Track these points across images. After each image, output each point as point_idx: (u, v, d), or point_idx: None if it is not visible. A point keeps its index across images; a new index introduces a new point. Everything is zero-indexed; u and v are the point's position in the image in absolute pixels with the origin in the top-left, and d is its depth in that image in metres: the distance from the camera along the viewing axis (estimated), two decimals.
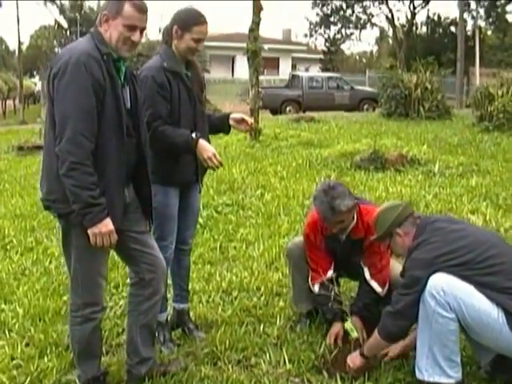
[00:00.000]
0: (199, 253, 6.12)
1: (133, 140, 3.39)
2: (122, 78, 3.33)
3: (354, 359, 3.78)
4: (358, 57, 63.34)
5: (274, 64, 44.80)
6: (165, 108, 3.90)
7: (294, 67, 48.19)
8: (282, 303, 4.93)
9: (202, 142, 3.86)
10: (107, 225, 3.14)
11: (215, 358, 4.05)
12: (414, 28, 44.71)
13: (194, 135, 3.87)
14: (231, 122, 4.24)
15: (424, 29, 45.03)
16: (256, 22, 14.51)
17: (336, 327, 4.25)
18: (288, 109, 27.92)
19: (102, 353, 3.78)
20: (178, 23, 3.92)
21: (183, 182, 4.11)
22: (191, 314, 4.58)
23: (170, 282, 4.40)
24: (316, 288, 4.40)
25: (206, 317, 4.68)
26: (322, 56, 49.53)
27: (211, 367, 3.93)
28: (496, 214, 7.52)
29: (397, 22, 44.01)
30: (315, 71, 43.63)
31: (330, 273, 4.41)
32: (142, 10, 3.26)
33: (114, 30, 3.22)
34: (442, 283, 3.39)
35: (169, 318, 4.36)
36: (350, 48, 63.91)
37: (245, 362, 4.02)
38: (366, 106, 29.18)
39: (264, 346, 4.18)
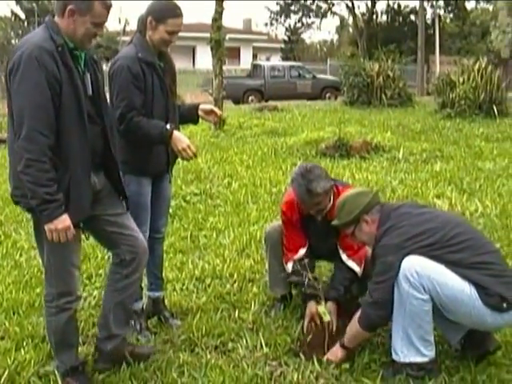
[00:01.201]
0: (170, 242, 6.13)
1: (97, 127, 3.39)
2: (83, 65, 3.31)
3: (335, 352, 3.82)
4: (318, 46, 63.42)
5: (235, 54, 44.70)
6: (139, 99, 3.89)
7: (255, 57, 48.12)
8: (255, 289, 4.98)
9: (177, 134, 3.88)
10: (64, 221, 3.12)
11: (192, 344, 4.08)
12: (375, 17, 44.93)
13: (168, 126, 3.88)
14: (200, 113, 4.25)
15: (384, 17, 45.33)
16: (219, 12, 14.47)
17: (311, 307, 4.30)
18: (250, 98, 27.90)
19: (79, 343, 3.79)
20: (153, 14, 3.90)
21: (154, 172, 4.13)
22: (166, 302, 4.59)
23: (144, 271, 4.39)
24: (289, 266, 4.44)
25: (181, 304, 4.71)
26: (282, 45, 49.50)
27: (189, 354, 3.96)
28: (461, 198, 7.67)
29: (357, 11, 44.23)
30: (276, 60, 43.67)
31: (303, 251, 4.45)
32: (110, 8, 3.26)
33: (80, 26, 3.18)
34: (414, 265, 3.47)
35: (144, 307, 4.37)
36: (310, 37, 63.94)
37: (222, 347, 4.05)
38: (328, 95, 29.30)
39: (240, 331, 4.23)
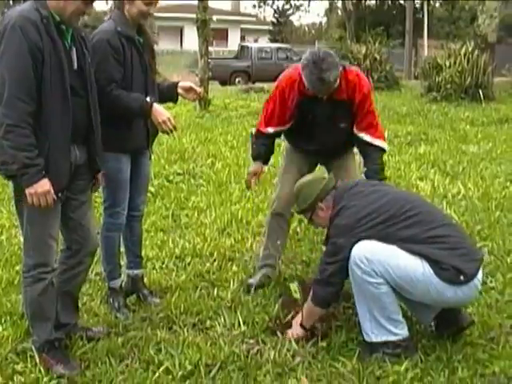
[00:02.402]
0: (151, 221, 6.12)
1: (82, 100, 3.40)
2: (69, 40, 3.33)
3: (294, 331, 3.85)
4: (307, 28, 63.29)
5: (222, 35, 44.50)
6: (118, 72, 3.88)
7: (242, 38, 47.83)
8: (235, 268, 4.98)
9: (157, 106, 3.87)
10: (43, 185, 3.15)
11: (170, 322, 4.08)
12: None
13: (148, 99, 3.87)
14: (179, 91, 4.20)
15: (373, 1, 45.12)
16: None
17: (256, 166, 4.76)
18: (237, 80, 27.76)
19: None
20: None
21: (134, 149, 4.11)
22: (145, 280, 4.58)
23: (122, 249, 4.40)
24: (254, 131, 4.73)
25: (160, 283, 4.70)
26: (271, 27, 49.35)
27: (167, 331, 3.95)
28: (444, 181, 7.70)
29: None
30: (264, 42, 43.48)
31: (272, 130, 4.57)
32: None
33: (71, 3, 3.21)
34: (364, 252, 3.50)
35: (123, 285, 4.36)
36: (299, 19, 63.47)
37: (200, 325, 4.05)
38: None
39: (218, 309, 4.23)
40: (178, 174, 8.16)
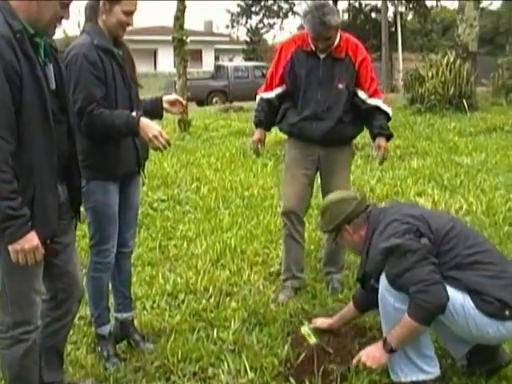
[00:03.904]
0: (138, 254, 5.61)
1: (62, 126, 2.89)
2: (43, 55, 2.79)
3: (379, 359, 3.20)
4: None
5: (197, 56, 44.14)
6: (99, 90, 3.42)
7: (217, 59, 47.63)
8: (233, 304, 4.52)
9: (145, 120, 3.39)
10: (31, 240, 2.64)
11: (167, 371, 3.63)
12: None
13: (134, 114, 3.41)
14: (165, 105, 3.80)
15: (346, 16, 45.12)
16: (181, 10, 13.95)
17: (258, 133, 4.87)
18: (214, 100, 27.56)
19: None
20: None
21: (124, 175, 3.66)
22: (136, 323, 4.12)
23: (110, 289, 3.95)
24: (257, 98, 4.84)
25: (153, 325, 4.23)
26: (244, 46, 49.12)
27: (164, 382, 3.51)
28: (443, 196, 7.39)
29: None
30: (239, 61, 43.26)
31: (273, 94, 4.69)
32: None
33: (47, 7, 2.68)
34: None
35: (112, 330, 3.90)
36: (274, 38, 63.52)
37: (201, 373, 3.61)
38: None
39: (220, 353, 3.78)
40: (163, 201, 7.69)
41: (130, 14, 3.48)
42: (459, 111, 15.51)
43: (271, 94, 4.71)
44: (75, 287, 3.15)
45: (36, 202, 2.69)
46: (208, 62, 44.01)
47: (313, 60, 4.49)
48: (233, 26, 48.52)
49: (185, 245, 5.97)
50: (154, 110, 3.83)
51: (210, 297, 4.66)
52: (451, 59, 16.30)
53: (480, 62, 18.83)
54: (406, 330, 3.08)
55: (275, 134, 12.15)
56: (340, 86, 4.48)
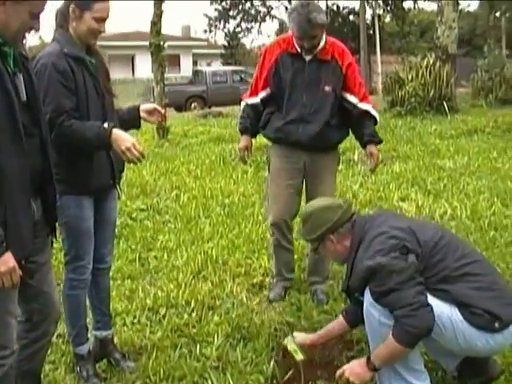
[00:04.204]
0: (117, 266, 5.44)
1: (35, 140, 2.71)
2: (12, 65, 2.61)
3: (362, 376, 3.07)
4: (259, 50, 63.22)
5: (175, 61, 43.91)
6: (69, 100, 3.25)
7: (195, 63, 47.44)
8: (216, 318, 4.37)
9: (117, 132, 3.21)
10: (7, 262, 2.46)
11: None
12: None
13: (105, 125, 3.22)
14: (142, 114, 3.64)
15: None
16: (158, 15, 13.76)
17: (244, 140, 4.76)
18: (193, 105, 27.37)
19: None
20: (76, 2, 3.25)
21: (98, 189, 3.50)
22: (116, 340, 3.97)
23: (88, 306, 3.80)
24: (242, 104, 4.72)
25: (134, 342, 4.07)
26: (222, 51, 49.04)
27: None
28: (427, 200, 7.29)
29: None
30: (217, 66, 43.17)
31: (258, 99, 4.59)
32: None
33: (14, 15, 2.50)
34: None
35: (91, 349, 3.74)
36: (252, 42, 63.28)
37: None
38: None
39: (204, 371, 3.64)
40: (142, 210, 7.51)
41: (101, 20, 3.32)
42: (440, 114, 15.50)
43: (256, 99, 4.63)
44: (51, 308, 3.00)
45: (9, 221, 2.50)
46: (186, 67, 43.87)
47: (298, 62, 4.43)
48: (210, 31, 48.53)
49: (165, 256, 5.81)
50: (132, 120, 3.69)
51: (192, 311, 4.51)
52: (431, 61, 16.31)
53: (458, 63, 18.84)
54: (390, 351, 2.97)
55: (255, 140, 12.11)
56: (326, 88, 4.42)
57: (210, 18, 47.23)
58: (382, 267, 2.92)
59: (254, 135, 4.84)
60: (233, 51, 48.37)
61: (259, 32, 48.89)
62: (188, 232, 6.54)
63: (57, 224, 3.04)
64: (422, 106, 15.55)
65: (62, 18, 3.35)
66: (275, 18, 48.53)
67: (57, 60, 3.24)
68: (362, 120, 4.56)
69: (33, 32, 2.69)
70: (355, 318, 3.44)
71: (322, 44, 4.38)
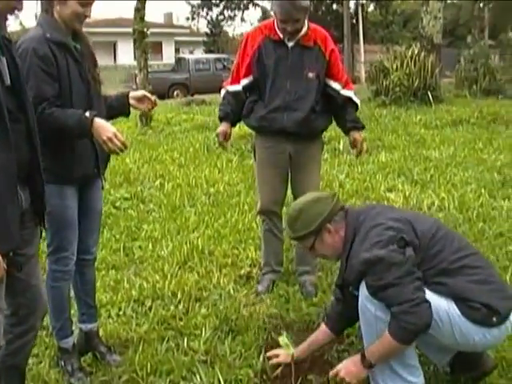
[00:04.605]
0: (101, 257, 5.29)
1: (20, 126, 2.56)
2: None
3: (357, 374, 3.00)
4: (240, 38, 62.96)
5: (157, 49, 43.49)
6: (51, 87, 3.13)
7: (177, 51, 47.13)
8: (204, 310, 4.28)
9: (99, 121, 3.09)
10: None
11: None
12: None
13: (87, 114, 3.10)
14: (132, 101, 3.52)
15: None
16: (142, 1, 13.61)
17: (223, 126, 4.59)
18: (176, 93, 27.21)
19: None
20: None
21: (82, 178, 3.39)
22: (101, 332, 3.87)
23: (73, 297, 3.71)
24: (223, 91, 4.64)
25: (119, 334, 3.97)
26: (205, 38, 48.73)
27: None
28: (414, 191, 7.23)
29: None
30: (200, 54, 42.91)
31: (239, 87, 4.51)
32: None
33: None
34: None
35: (75, 342, 3.63)
36: (234, 30, 62.97)
37: None
38: None
39: (192, 365, 3.54)
40: (126, 199, 7.40)
41: (86, 5, 3.19)
42: (424, 103, 15.46)
43: (238, 87, 4.54)
44: (38, 302, 2.88)
45: None
46: (168, 55, 43.54)
47: (281, 49, 4.36)
48: (193, 18, 48.16)
49: (150, 246, 5.70)
50: (120, 107, 3.57)
51: (179, 303, 4.41)
52: (416, 51, 16.25)
53: (442, 53, 18.82)
54: (386, 348, 2.89)
55: (239, 127, 11.99)
56: (310, 74, 4.36)
57: (192, 6, 46.89)
58: (379, 260, 2.84)
59: (233, 123, 4.71)
60: (215, 39, 48.11)
61: (242, 20, 48.59)
62: (173, 221, 6.44)
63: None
64: (407, 96, 15.48)
65: (47, 2, 3.22)
66: (258, 5, 48.31)
67: (38, 45, 3.11)
68: (344, 107, 4.53)
69: (16, 13, 2.57)
70: (339, 324, 3.36)
71: (304, 30, 4.33)
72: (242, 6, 46.33)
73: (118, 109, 3.57)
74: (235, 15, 47.66)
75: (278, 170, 4.53)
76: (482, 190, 7.12)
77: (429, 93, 15.52)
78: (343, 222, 3.15)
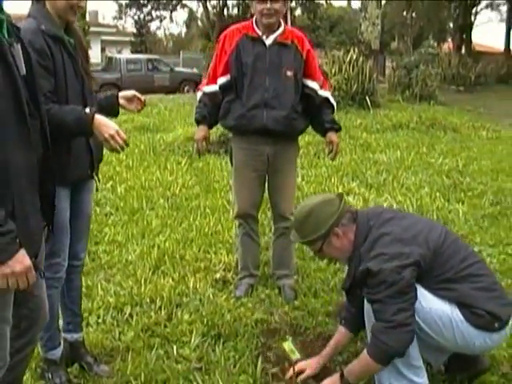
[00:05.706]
0: None
1: (36, 122, 2.38)
2: (6, 34, 2.25)
3: None
4: (165, 39, 62.44)
5: None
6: (47, 82, 2.95)
7: (103, 50, 46.41)
8: (187, 316, 4.17)
9: (100, 118, 2.93)
10: (22, 260, 2.16)
11: None
12: (226, 9, 44.59)
13: (87, 110, 2.95)
14: (121, 102, 3.40)
15: (236, 10, 45.04)
16: None
17: (202, 131, 4.48)
18: None
19: None
20: None
21: (76, 178, 3.24)
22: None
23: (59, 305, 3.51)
24: (199, 94, 4.56)
25: (103, 344, 3.82)
26: (132, 38, 48.20)
27: None
28: (370, 194, 7.29)
29: (208, 4, 43.62)
30: (127, 54, 42.36)
31: (218, 85, 4.44)
32: None
33: None
34: None
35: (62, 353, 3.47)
36: (164, 30, 62.25)
37: None
38: (186, 88, 28.52)
39: (188, 373, 3.45)
40: None
41: None
42: (362, 108, 15.62)
43: (214, 87, 4.48)
44: (40, 313, 2.72)
45: (17, 214, 2.19)
46: (95, 54, 42.76)
47: (259, 47, 4.34)
48: (120, 18, 47.60)
49: (116, 251, 5.53)
50: (109, 108, 3.42)
51: (159, 309, 4.29)
52: (354, 56, 16.42)
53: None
54: (363, 367, 2.98)
55: (186, 130, 11.89)
56: (288, 73, 4.34)
57: (120, 5, 46.33)
58: (377, 273, 2.87)
59: (211, 126, 4.62)
60: (143, 39, 47.66)
61: (171, 20, 48.32)
62: (135, 225, 6.29)
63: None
64: (345, 100, 15.58)
65: None
66: (186, 6, 48.15)
67: (33, 37, 2.92)
68: (321, 107, 4.53)
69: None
70: (355, 323, 3.36)
71: (281, 28, 4.34)
72: (170, 6, 46.04)
73: (106, 109, 3.40)
74: (164, 16, 47.39)
75: (257, 173, 4.49)
76: (437, 194, 7.25)
77: (367, 97, 15.73)
78: (351, 225, 3.13)
